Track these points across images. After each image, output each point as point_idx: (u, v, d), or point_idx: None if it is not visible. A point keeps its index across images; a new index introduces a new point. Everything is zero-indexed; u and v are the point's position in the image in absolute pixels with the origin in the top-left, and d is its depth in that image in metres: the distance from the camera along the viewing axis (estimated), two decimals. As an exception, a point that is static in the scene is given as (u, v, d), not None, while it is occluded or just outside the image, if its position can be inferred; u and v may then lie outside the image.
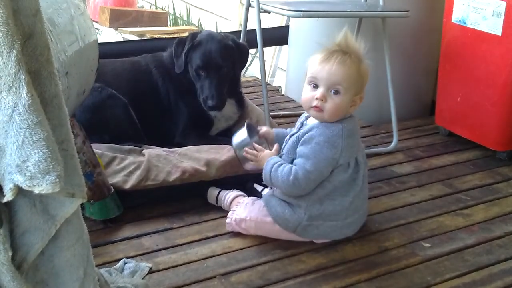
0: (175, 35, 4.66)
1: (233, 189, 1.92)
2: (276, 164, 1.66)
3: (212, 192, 1.93)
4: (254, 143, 1.76)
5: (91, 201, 1.76)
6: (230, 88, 2.35)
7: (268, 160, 1.69)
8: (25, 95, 0.85)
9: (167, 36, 4.72)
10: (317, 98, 1.63)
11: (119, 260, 1.62)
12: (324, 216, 1.69)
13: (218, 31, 4.89)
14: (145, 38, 4.83)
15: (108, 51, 2.61)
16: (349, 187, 1.69)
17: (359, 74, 1.66)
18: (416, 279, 1.60)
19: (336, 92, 1.63)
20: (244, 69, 3.02)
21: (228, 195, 1.88)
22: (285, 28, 3.29)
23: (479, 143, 2.47)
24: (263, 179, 1.71)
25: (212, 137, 2.36)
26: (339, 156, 1.63)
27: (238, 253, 1.70)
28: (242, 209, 1.78)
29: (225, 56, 2.27)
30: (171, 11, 5.83)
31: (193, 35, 2.35)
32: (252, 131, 1.81)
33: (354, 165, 1.68)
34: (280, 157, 1.72)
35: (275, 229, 1.74)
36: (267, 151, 1.74)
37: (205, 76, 2.25)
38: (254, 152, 1.74)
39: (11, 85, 0.84)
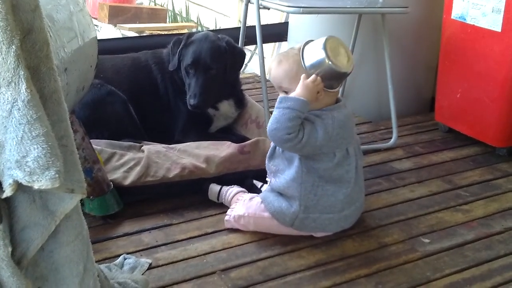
0: (174, 32, 4.66)
1: (234, 185, 1.92)
2: (295, 112, 1.59)
3: (213, 188, 1.93)
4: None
5: (91, 197, 1.76)
6: (227, 88, 2.35)
7: (300, 100, 1.60)
8: (24, 90, 0.85)
9: (166, 32, 4.71)
10: None
11: (119, 256, 1.62)
12: (320, 208, 1.69)
13: (218, 28, 4.89)
14: (144, 34, 4.83)
15: (107, 47, 2.61)
16: (341, 179, 1.69)
17: (296, 63, 1.66)
18: (416, 275, 1.60)
19: (286, 91, 1.67)
20: (243, 66, 3.01)
21: (230, 191, 1.89)
22: (285, 25, 3.28)
23: (479, 139, 2.47)
24: (279, 100, 1.62)
25: (211, 134, 2.36)
26: (325, 144, 1.63)
27: (237, 249, 1.70)
28: (240, 206, 1.79)
29: (216, 57, 2.25)
30: (170, 7, 5.82)
31: (189, 35, 2.35)
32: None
33: (342, 156, 1.68)
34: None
35: (273, 224, 1.74)
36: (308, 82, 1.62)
37: (193, 75, 2.24)
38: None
39: (10, 80, 0.84)
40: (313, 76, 1.62)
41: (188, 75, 2.26)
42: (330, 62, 1.61)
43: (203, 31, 3.42)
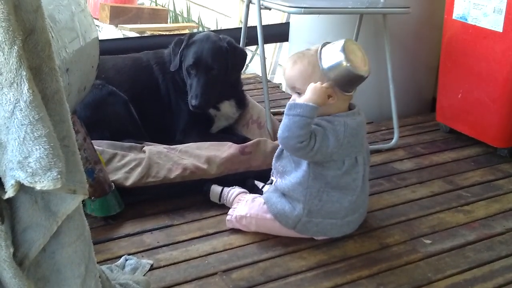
0: (175, 32, 4.66)
1: (235, 186, 1.92)
2: (306, 119, 1.58)
3: (215, 190, 1.93)
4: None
5: (92, 198, 1.76)
6: (228, 89, 2.35)
7: (309, 106, 1.58)
8: (26, 91, 0.85)
9: (167, 33, 4.71)
10: None
11: (120, 257, 1.62)
12: (324, 213, 1.69)
13: (219, 29, 4.89)
14: (145, 35, 4.83)
15: (108, 48, 2.61)
16: (347, 186, 1.68)
17: (311, 64, 1.66)
18: (417, 276, 1.60)
19: (299, 93, 1.66)
20: (245, 66, 3.01)
21: (231, 192, 1.88)
22: (286, 25, 3.28)
23: (480, 139, 2.47)
24: (288, 107, 1.60)
25: (212, 135, 2.36)
26: (336, 152, 1.63)
27: (239, 250, 1.70)
28: (242, 206, 1.78)
29: (217, 57, 2.25)
30: (171, 8, 5.82)
31: (191, 35, 2.34)
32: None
33: (351, 165, 1.67)
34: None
35: (275, 225, 1.74)
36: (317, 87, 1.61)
37: (195, 75, 2.24)
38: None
39: (12, 81, 0.84)
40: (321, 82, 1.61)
41: (189, 76, 2.26)
42: (348, 65, 1.60)
43: (204, 31, 3.42)
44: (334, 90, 1.64)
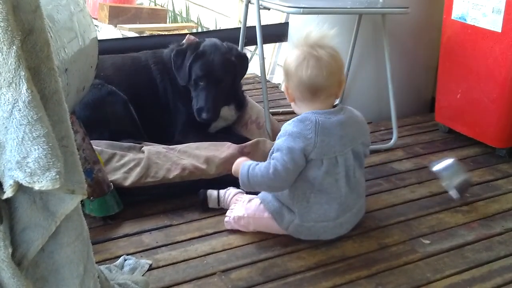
0: (174, 32, 4.66)
1: (231, 186, 1.91)
2: (252, 164, 1.69)
3: (212, 195, 1.91)
4: None
5: (91, 198, 1.76)
6: (231, 95, 2.35)
7: (243, 164, 1.71)
8: (25, 91, 0.85)
9: (166, 33, 4.71)
10: None
11: (119, 257, 1.62)
12: (315, 216, 1.69)
13: (218, 28, 4.89)
14: (144, 35, 4.83)
15: (107, 48, 2.61)
16: (331, 187, 1.67)
17: (286, 74, 1.75)
18: (416, 276, 1.60)
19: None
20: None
21: (228, 193, 1.88)
22: (285, 25, 3.28)
23: (479, 140, 2.47)
24: (241, 183, 1.70)
25: (211, 135, 2.35)
26: (311, 150, 1.63)
27: (238, 250, 1.70)
28: (239, 207, 1.79)
29: (227, 70, 2.26)
30: (170, 8, 5.82)
31: (196, 46, 2.30)
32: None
33: (331, 165, 1.66)
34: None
35: (273, 224, 1.74)
36: (240, 159, 1.79)
37: (203, 87, 2.23)
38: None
39: (11, 81, 0.84)
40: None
41: (197, 87, 2.25)
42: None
43: (203, 31, 3.41)
44: (298, 95, 1.71)
